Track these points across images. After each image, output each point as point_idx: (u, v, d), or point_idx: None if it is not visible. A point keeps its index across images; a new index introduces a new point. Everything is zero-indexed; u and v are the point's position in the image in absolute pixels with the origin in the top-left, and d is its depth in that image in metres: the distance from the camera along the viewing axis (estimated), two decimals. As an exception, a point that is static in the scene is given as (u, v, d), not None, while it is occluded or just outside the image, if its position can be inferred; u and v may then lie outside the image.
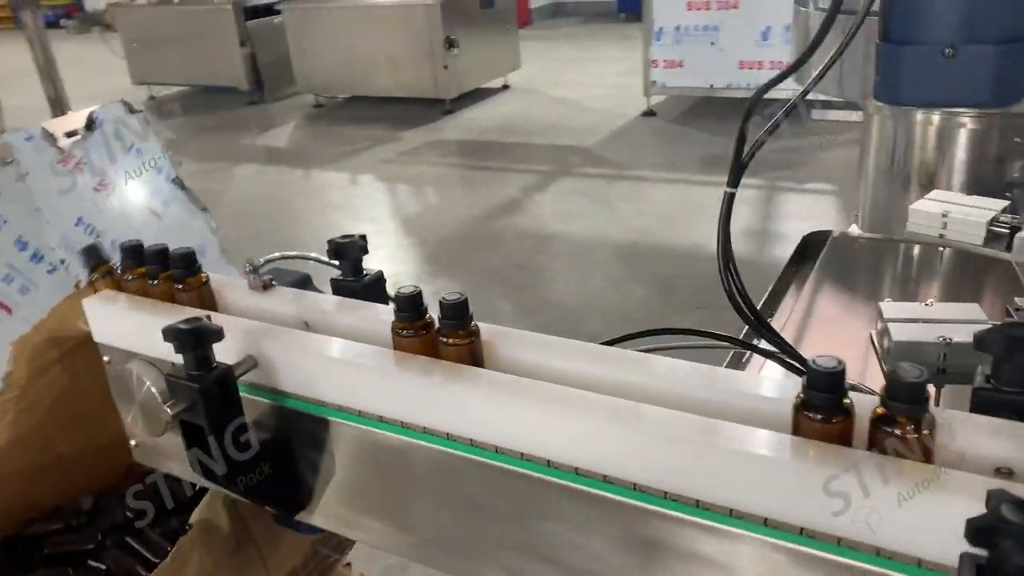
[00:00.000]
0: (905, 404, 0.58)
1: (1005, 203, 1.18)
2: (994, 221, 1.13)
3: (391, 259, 4.55)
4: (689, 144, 6.02)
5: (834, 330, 1.45)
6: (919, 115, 2.01)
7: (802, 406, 0.62)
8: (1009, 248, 1.06)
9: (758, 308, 1.88)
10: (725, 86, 6.20)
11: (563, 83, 8.20)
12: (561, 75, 8.57)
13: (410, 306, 0.78)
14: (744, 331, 1.41)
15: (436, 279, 4.32)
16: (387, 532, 0.89)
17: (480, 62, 7.39)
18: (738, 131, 1.12)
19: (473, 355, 0.77)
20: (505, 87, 7.98)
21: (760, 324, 1.24)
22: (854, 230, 2.10)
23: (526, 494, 0.73)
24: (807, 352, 1.11)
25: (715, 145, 5.88)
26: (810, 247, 1.81)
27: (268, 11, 7.96)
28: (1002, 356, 0.71)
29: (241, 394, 0.83)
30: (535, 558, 0.78)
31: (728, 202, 1.20)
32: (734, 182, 1.18)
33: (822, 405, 0.61)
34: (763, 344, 1.17)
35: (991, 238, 1.11)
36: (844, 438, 0.61)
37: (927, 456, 0.59)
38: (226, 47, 7.93)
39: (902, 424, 0.59)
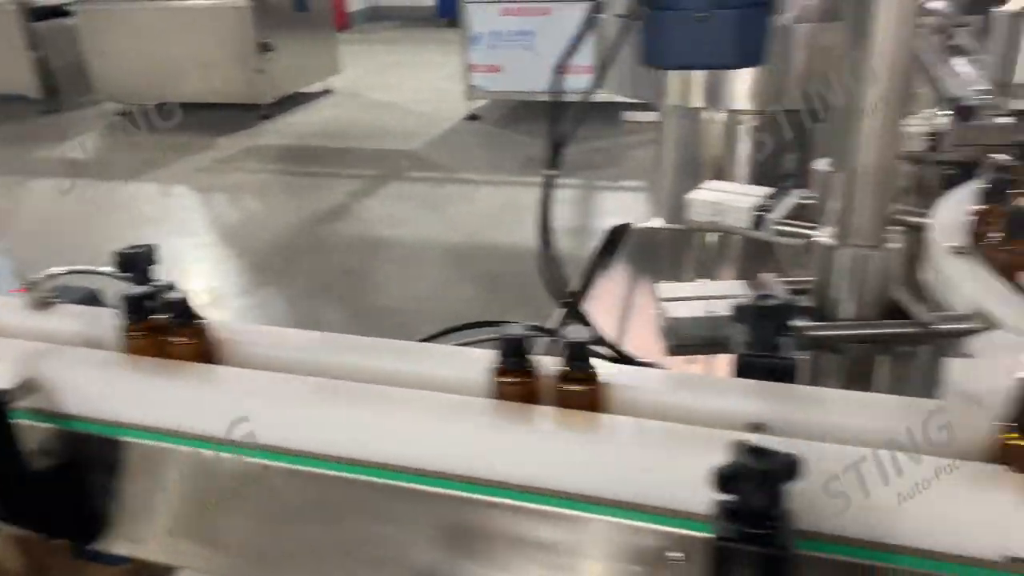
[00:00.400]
0: (577, 362, 0.66)
1: (771, 191, 1.32)
2: (759, 207, 1.26)
3: (212, 273, 4.35)
4: (512, 147, 6.17)
5: (636, 313, 1.56)
6: (705, 114, 2.18)
7: (497, 372, 0.69)
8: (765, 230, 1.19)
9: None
10: (542, 90, 6.40)
11: (386, 87, 8.15)
12: (383, 79, 8.51)
13: (135, 308, 0.77)
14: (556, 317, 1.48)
15: (261, 290, 4.17)
16: (197, 553, 0.86)
17: (297, 66, 7.19)
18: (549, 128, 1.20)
19: (203, 352, 0.77)
20: (326, 92, 7.82)
21: (574, 307, 1.32)
22: (656, 222, 2.25)
23: (327, 495, 0.73)
24: (612, 334, 1.18)
25: (536, 147, 6.06)
26: (615, 239, 1.93)
27: (59, 12, 7.33)
28: (754, 325, 0.80)
29: (19, 420, 0.78)
30: (359, 561, 0.78)
31: (547, 184, 1.26)
32: (552, 164, 1.26)
33: (512, 369, 0.68)
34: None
35: (757, 222, 1.25)
36: (532, 397, 0.67)
37: (595, 406, 0.68)
38: (11, 51, 7.22)
39: (575, 379, 0.67)
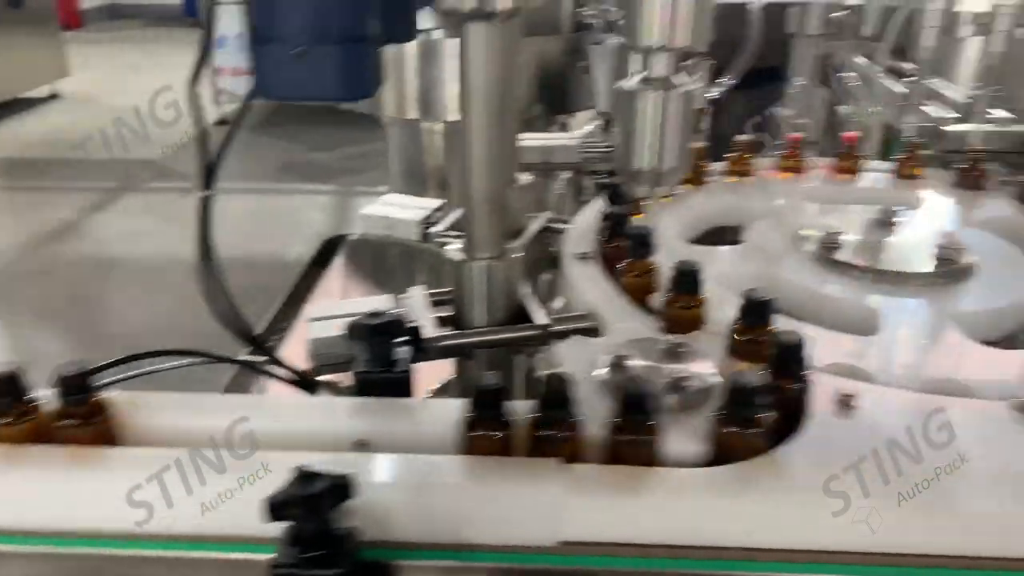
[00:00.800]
0: (73, 396, 0.66)
1: (442, 202, 1.37)
2: (425, 220, 1.31)
3: (-92, 307, 3.79)
4: (266, 152, 5.95)
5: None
6: (425, 124, 2.23)
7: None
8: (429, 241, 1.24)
9: (278, 311, 1.93)
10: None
11: (126, 91, 7.51)
12: (123, 82, 7.86)
13: None
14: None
15: (-30, 323, 3.70)
16: None
17: (13, 68, 6.44)
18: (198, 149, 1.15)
19: None
20: (54, 96, 7.08)
21: (250, 338, 1.29)
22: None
23: None
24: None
25: (292, 152, 5.91)
26: (330, 250, 1.92)
27: None
28: (368, 342, 0.83)
29: None
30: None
31: (204, 207, 1.21)
32: (206, 184, 1.21)
33: (6, 411, 0.66)
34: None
35: (423, 235, 1.29)
36: (35, 437, 0.67)
37: (107, 440, 0.68)
38: None
39: (76, 415, 0.67)
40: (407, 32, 1.01)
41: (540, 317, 0.97)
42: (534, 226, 1.27)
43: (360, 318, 0.82)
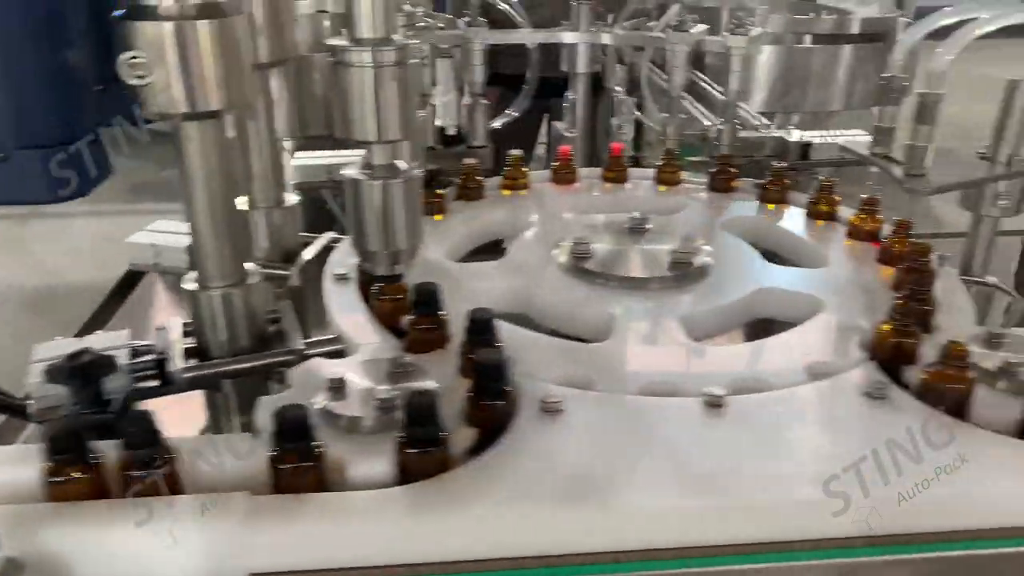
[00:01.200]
0: None
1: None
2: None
3: None
4: (117, 172, 5.67)
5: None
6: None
7: None
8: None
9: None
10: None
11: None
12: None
13: None
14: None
15: None
16: None
17: None
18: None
19: None
20: None
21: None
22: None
23: None
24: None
25: (144, 172, 5.65)
26: (130, 284, 1.84)
27: None
28: (74, 383, 0.80)
29: None
30: None
31: None
32: None
33: None
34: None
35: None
36: None
37: None
38: None
39: None
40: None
41: (297, 341, 0.97)
42: (309, 250, 1.27)
43: (58, 360, 0.79)
